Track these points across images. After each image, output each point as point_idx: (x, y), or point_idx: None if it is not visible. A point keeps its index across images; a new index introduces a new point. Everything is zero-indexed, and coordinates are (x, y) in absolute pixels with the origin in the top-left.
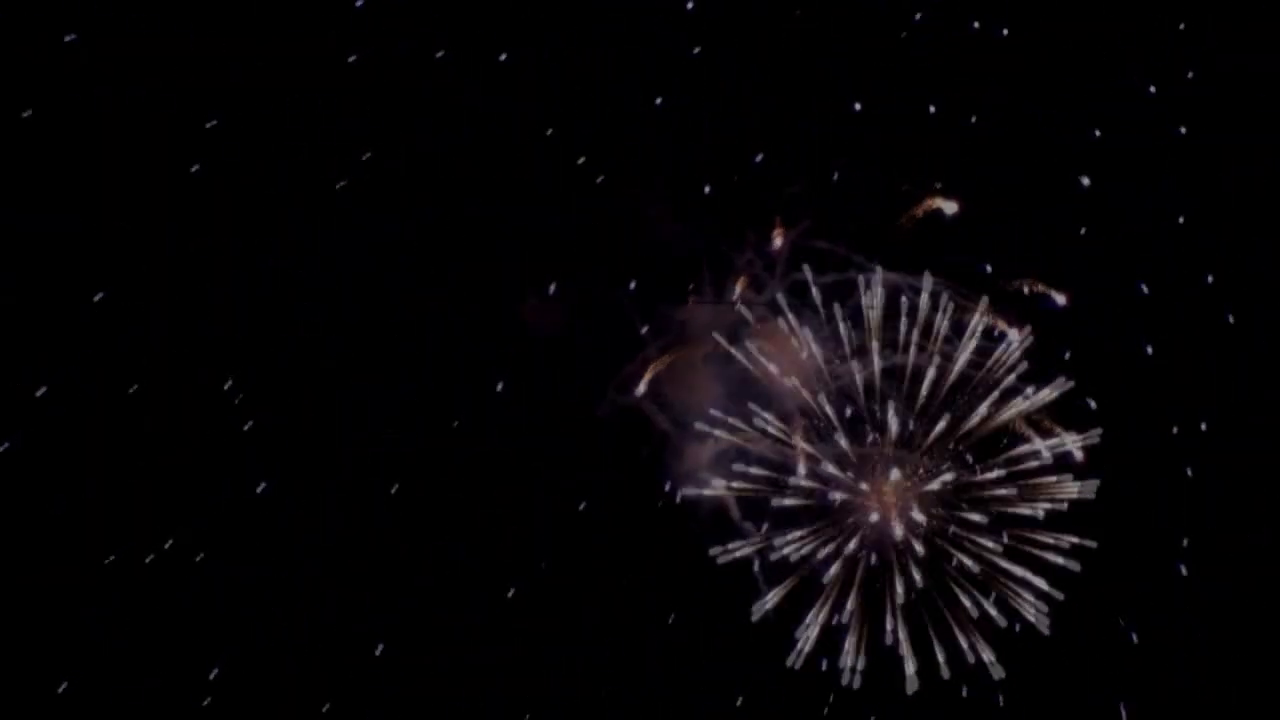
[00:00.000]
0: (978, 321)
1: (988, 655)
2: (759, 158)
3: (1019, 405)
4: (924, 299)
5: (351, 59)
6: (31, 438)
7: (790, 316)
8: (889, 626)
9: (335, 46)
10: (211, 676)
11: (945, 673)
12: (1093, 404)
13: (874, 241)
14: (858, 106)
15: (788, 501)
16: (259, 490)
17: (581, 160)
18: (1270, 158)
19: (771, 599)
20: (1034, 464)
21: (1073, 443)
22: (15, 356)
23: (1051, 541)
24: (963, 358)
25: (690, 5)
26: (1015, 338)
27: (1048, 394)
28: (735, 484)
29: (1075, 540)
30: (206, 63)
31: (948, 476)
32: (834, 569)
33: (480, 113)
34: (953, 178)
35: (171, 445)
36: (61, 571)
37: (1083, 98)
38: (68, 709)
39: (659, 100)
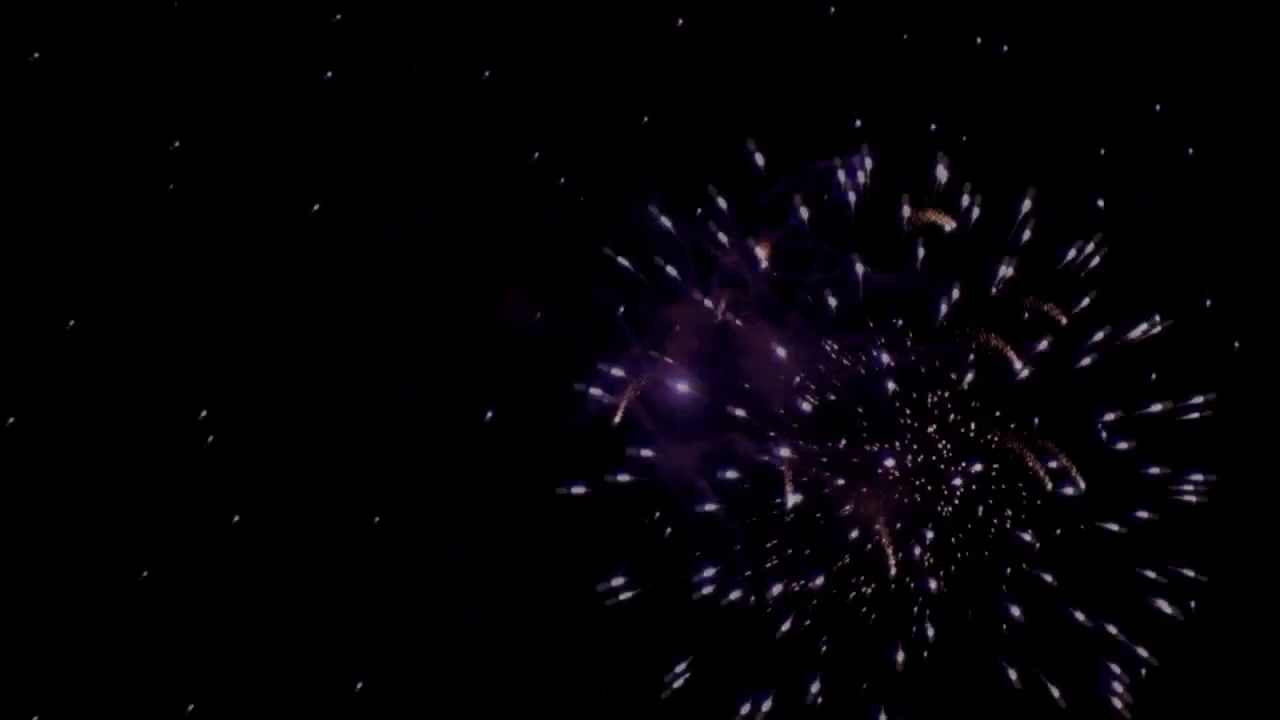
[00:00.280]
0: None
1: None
2: (758, 157)
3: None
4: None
5: (351, 59)
6: (31, 438)
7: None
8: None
9: (335, 46)
10: (211, 677)
11: None
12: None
13: (868, 245)
14: (857, 122)
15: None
16: (258, 490)
17: (579, 162)
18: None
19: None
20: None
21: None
22: (15, 356)
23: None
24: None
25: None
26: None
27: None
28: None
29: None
30: (206, 63)
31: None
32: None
33: (480, 113)
34: (953, 176)
35: (171, 445)
36: (61, 571)
37: (1082, 98)
38: (68, 709)
39: (653, 98)
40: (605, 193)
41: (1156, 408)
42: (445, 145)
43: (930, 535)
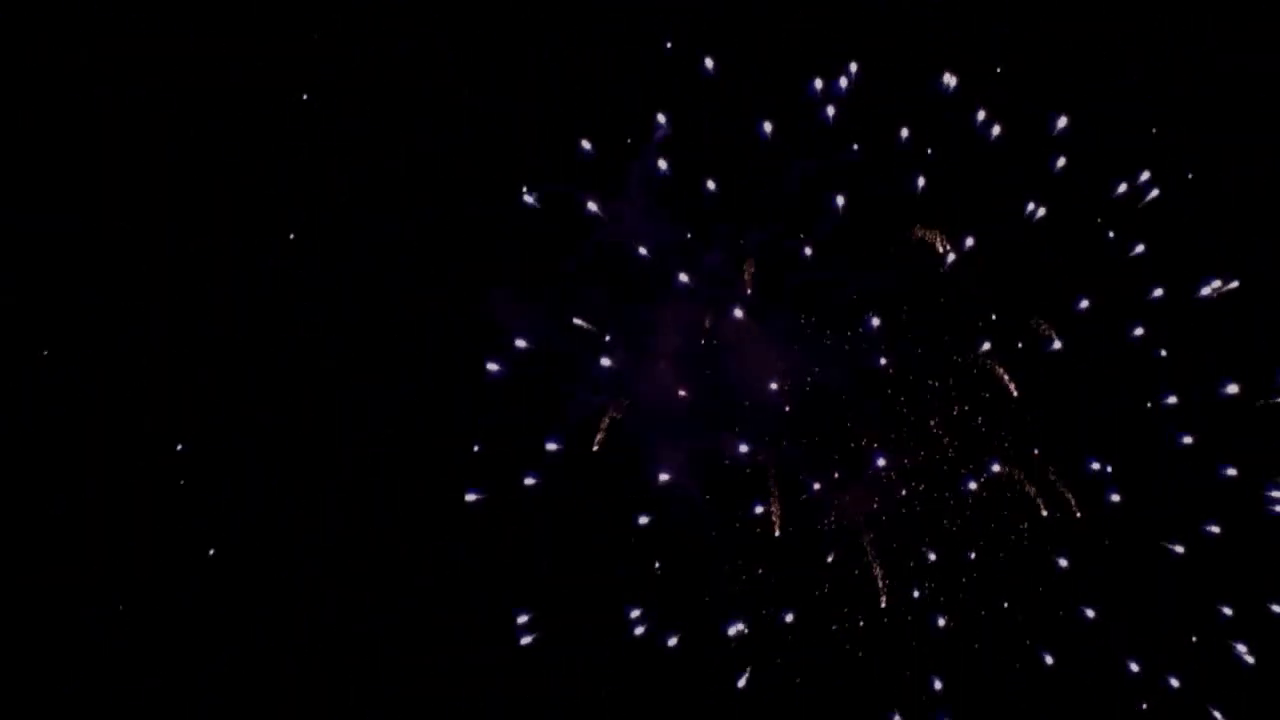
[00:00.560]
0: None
1: None
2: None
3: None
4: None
5: (351, 59)
6: (31, 438)
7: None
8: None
9: (336, 47)
10: (211, 677)
11: None
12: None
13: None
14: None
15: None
16: (258, 490)
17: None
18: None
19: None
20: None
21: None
22: (15, 356)
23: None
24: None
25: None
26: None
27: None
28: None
29: None
30: (206, 63)
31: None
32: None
33: (480, 113)
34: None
35: (171, 445)
36: (61, 571)
37: (1082, 98)
38: (68, 709)
39: (648, 101)
40: (604, 192)
41: (1233, 389)
42: (445, 145)
43: (932, 557)
